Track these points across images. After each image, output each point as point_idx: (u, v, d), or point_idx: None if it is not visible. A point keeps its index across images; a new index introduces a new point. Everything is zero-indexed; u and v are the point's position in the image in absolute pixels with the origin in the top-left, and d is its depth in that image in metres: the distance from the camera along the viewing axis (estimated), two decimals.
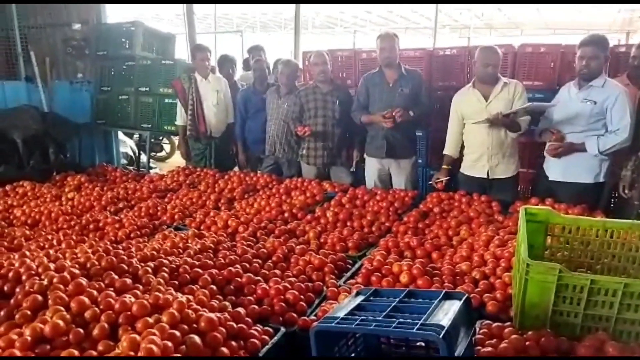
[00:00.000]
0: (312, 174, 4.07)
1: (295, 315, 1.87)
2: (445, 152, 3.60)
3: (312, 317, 1.87)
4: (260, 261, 2.30)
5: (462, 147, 3.59)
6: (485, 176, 3.42)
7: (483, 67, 3.29)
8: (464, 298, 1.49)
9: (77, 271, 1.79)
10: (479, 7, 15.65)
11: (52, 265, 1.84)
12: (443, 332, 1.24)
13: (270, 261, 2.34)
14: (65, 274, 1.74)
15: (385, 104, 3.69)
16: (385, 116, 3.54)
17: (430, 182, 3.68)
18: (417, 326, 1.29)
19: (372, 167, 3.93)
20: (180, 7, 7.80)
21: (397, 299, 1.52)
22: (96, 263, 1.92)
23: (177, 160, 7.90)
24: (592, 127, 3.06)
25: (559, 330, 1.60)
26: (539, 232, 1.94)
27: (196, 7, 8.04)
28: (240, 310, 1.75)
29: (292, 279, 2.11)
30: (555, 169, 3.25)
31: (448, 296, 1.52)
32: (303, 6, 7.84)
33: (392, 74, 3.72)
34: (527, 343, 1.54)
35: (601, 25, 16.59)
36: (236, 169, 4.66)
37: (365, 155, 4.00)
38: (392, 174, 3.91)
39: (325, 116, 3.97)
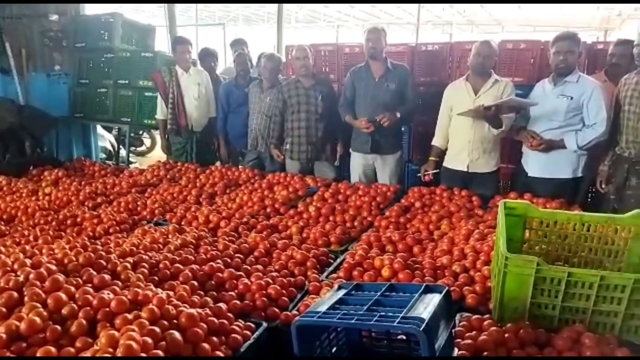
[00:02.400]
0: (296, 168, 4.05)
1: (277, 310, 1.86)
2: (433, 143, 3.62)
3: (294, 311, 1.87)
4: (242, 256, 2.29)
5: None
6: (465, 169, 3.46)
7: (474, 57, 3.32)
8: (444, 291, 1.51)
9: (54, 267, 1.76)
10: (462, 4, 15.76)
11: (28, 262, 1.80)
12: (423, 325, 1.25)
13: (252, 256, 2.33)
14: (42, 270, 1.70)
15: (371, 99, 3.69)
16: (362, 125, 3.57)
17: (418, 175, 3.68)
18: (398, 319, 1.30)
19: (357, 162, 3.93)
20: None
21: (379, 293, 1.52)
22: (74, 259, 1.89)
23: (158, 154, 7.81)
24: (569, 123, 3.11)
25: (537, 322, 1.63)
26: (517, 226, 1.97)
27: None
28: (222, 305, 1.74)
29: (274, 274, 2.11)
30: (534, 165, 3.29)
31: (428, 289, 1.54)
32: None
33: (378, 68, 3.71)
34: (506, 335, 1.57)
35: (580, 23, 16.90)
36: (218, 163, 4.62)
37: (350, 150, 4.00)
38: (377, 169, 3.92)
39: (308, 111, 3.95)
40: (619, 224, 1.89)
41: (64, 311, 1.50)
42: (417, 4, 10.57)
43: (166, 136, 4.68)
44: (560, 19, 16.12)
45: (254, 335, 1.63)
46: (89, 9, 5.85)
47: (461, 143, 3.45)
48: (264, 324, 1.70)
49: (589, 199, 3.68)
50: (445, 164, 3.60)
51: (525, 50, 3.93)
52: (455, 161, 3.52)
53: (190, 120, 4.52)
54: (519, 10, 15.72)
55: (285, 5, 8.05)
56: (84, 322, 1.47)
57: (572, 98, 3.06)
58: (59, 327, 1.44)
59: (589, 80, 3.13)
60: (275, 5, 7.60)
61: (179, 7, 9.67)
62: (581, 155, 3.19)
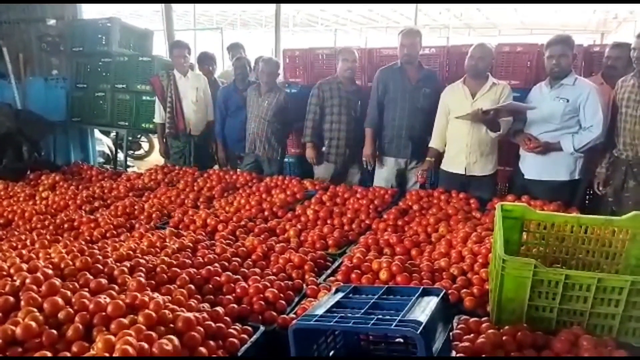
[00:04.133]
0: (329, 172, 4.00)
1: (274, 313, 1.86)
2: (430, 145, 3.61)
3: (292, 315, 1.86)
4: (239, 260, 2.28)
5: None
6: (463, 172, 3.46)
7: (468, 60, 3.33)
8: (441, 294, 1.50)
9: (50, 271, 1.75)
10: (458, 8, 15.84)
11: (24, 266, 1.80)
12: (420, 328, 1.25)
13: (249, 260, 2.32)
14: (39, 274, 1.69)
15: (409, 103, 3.67)
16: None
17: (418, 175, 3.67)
18: (395, 322, 1.29)
19: (389, 167, 3.86)
20: (159, 4, 7.67)
21: (376, 296, 1.52)
22: (70, 263, 1.88)
23: (156, 158, 7.79)
24: (566, 125, 3.12)
25: (535, 325, 1.63)
26: (515, 228, 1.97)
27: (175, 3, 7.96)
28: (219, 309, 1.73)
29: (272, 277, 2.10)
30: (531, 168, 3.30)
31: (426, 292, 1.53)
32: (284, 4, 7.82)
33: (413, 73, 3.69)
34: (503, 338, 1.57)
35: (577, 26, 16.99)
36: (216, 167, 4.61)
37: (382, 155, 3.91)
38: (409, 174, 3.87)
39: (348, 114, 3.93)
40: (616, 226, 1.89)
41: (60, 316, 1.50)
42: (414, 8, 10.60)
43: (164, 140, 4.68)
44: (557, 22, 16.20)
45: (252, 339, 1.62)
46: (87, 14, 5.86)
47: (459, 146, 3.45)
48: (262, 328, 1.70)
49: (587, 201, 3.69)
50: (443, 166, 3.61)
51: (522, 53, 3.94)
52: (453, 164, 3.52)
53: (189, 124, 4.52)
54: (515, 13, 15.81)
55: (283, 9, 8.05)
56: (80, 326, 1.46)
57: (568, 101, 3.08)
58: (55, 332, 1.44)
59: (585, 82, 3.14)
60: (273, 9, 7.61)
61: (176, 11, 9.70)
62: (578, 158, 3.20)
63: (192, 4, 12.45)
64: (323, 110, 3.98)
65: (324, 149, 4.06)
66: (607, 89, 3.32)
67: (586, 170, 3.30)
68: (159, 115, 4.59)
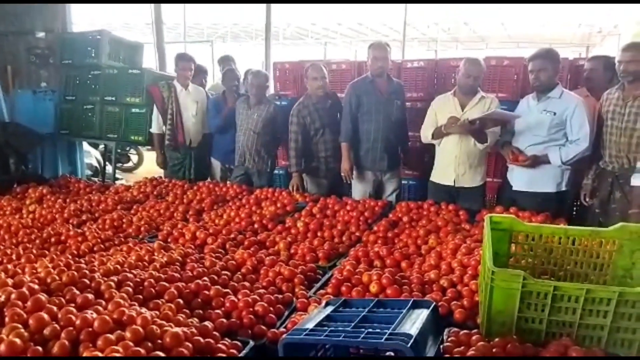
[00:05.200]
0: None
1: (264, 327, 1.84)
2: (430, 136, 3.53)
3: (282, 329, 1.85)
4: (229, 273, 2.26)
5: (434, 156, 3.66)
6: (452, 184, 3.49)
7: (464, 78, 3.36)
8: (431, 306, 1.51)
9: (36, 287, 1.73)
10: (446, 21, 16.07)
11: (9, 281, 1.77)
12: (411, 342, 1.25)
13: (239, 273, 2.31)
14: (24, 289, 1.67)
15: (383, 115, 3.68)
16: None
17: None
18: (386, 336, 1.29)
19: (368, 179, 3.87)
20: (150, 16, 7.69)
21: (367, 309, 1.52)
22: (57, 278, 1.86)
23: (145, 170, 7.77)
24: (553, 138, 3.16)
25: (524, 337, 1.63)
26: (503, 240, 1.98)
27: (166, 16, 7.97)
28: (208, 324, 1.71)
29: (262, 291, 2.09)
30: (519, 179, 3.33)
31: (416, 305, 1.54)
32: (274, 17, 7.86)
33: (384, 85, 3.71)
34: (493, 350, 1.56)
35: (563, 39, 17.30)
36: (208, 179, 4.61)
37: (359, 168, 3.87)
38: (386, 186, 3.90)
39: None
40: (603, 237, 1.90)
41: (46, 332, 1.47)
42: (403, 22, 10.74)
43: (162, 151, 4.64)
44: (543, 36, 16.48)
45: (241, 354, 1.60)
46: (77, 26, 5.85)
47: (448, 158, 3.48)
48: (251, 342, 1.68)
49: (574, 213, 3.72)
50: (432, 178, 3.63)
51: (509, 66, 4.00)
52: (442, 176, 3.55)
53: (188, 136, 4.53)
54: (502, 27, 16.05)
55: (274, 22, 8.10)
56: (67, 343, 1.43)
57: (555, 113, 3.12)
58: (40, 349, 1.41)
59: (571, 96, 3.19)
60: (263, 22, 7.66)
61: (167, 24, 9.71)
62: (565, 170, 3.24)
63: (183, 15, 12.47)
64: (308, 133, 3.92)
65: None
66: (592, 101, 3.38)
67: (573, 181, 3.34)
68: (157, 125, 4.57)
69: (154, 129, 4.61)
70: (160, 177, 4.33)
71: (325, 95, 3.93)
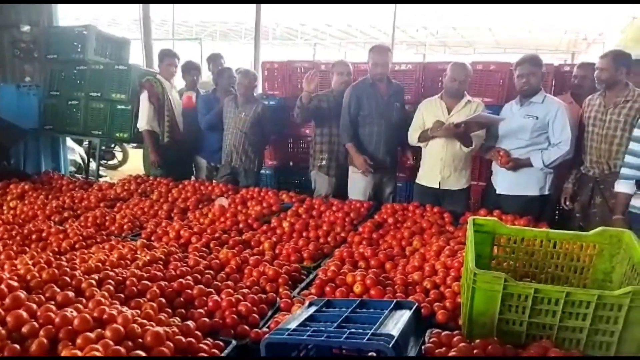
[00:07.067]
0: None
1: (247, 327, 1.83)
2: (416, 139, 3.57)
3: (265, 329, 1.84)
4: (212, 273, 2.25)
5: (419, 158, 3.68)
6: (437, 186, 3.51)
7: (450, 82, 3.39)
8: (414, 307, 1.52)
9: (15, 284, 1.69)
10: (435, 26, 16.20)
11: None
12: (393, 342, 1.25)
13: (223, 272, 2.29)
14: (2, 286, 1.64)
15: (384, 118, 3.69)
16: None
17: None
18: (368, 336, 1.29)
19: (367, 181, 3.82)
20: (137, 12, 7.61)
21: (349, 309, 1.52)
22: (37, 275, 1.83)
23: (130, 168, 7.70)
24: (535, 142, 3.21)
25: (505, 338, 1.64)
26: (486, 242, 2.00)
27: (154, 12, 7.91)
28: (190, 323, 1.70)
29: (245, 291, 2.08)
30: (503, 183, 3.37)
31: (399, 306, 1.54)
32: (264, 17, 7.85)
33: (384, 88, 3.71)
34: (474, 351, 1.58)
35: (549, 46, 17.56)
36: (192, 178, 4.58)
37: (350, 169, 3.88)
38: (385, 187, 3.92)
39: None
40: (584, 241, 1.93)
41: (24, 330, 1.45)
42: (392, 25, 10.81)
43: (157, 147, 4.46)
44: (529, 42, 16.70)
45: (223, 354, 1.59)
46: (63, 21, 5.76)
47: (433, 161, 3.51)
48: (233, 342, 1.67)
49: (557, 217, 3.78)
50: (418, 180, 3.66)
51: (495, 71, 4.05)
52: (427, 178, 3.57)
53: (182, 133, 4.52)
54: (489, 33, 16.24)
55: (263, 22, 8.09)
56: (45, 341, 1.41)
57: (537, 118, 3.16)
58: (17, 347, 1.39)
59: (553, 100, 3.24)
60: (253, 21, 7.64)
61: (155, 21, 9.63)
62: (548, 174, 3.28)
63: (172, 12, 12.38)
64: (322, 125, 3.94)
65: (324, 162, 3.98)
66: (575, 107, 3.43)
67: (556, 186, 3.39)
68: (147, 121, 4.36)
69: (143, 126, 4.40)
70: (146, 175, 4.28)
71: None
